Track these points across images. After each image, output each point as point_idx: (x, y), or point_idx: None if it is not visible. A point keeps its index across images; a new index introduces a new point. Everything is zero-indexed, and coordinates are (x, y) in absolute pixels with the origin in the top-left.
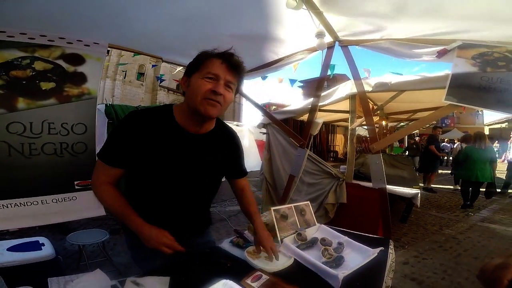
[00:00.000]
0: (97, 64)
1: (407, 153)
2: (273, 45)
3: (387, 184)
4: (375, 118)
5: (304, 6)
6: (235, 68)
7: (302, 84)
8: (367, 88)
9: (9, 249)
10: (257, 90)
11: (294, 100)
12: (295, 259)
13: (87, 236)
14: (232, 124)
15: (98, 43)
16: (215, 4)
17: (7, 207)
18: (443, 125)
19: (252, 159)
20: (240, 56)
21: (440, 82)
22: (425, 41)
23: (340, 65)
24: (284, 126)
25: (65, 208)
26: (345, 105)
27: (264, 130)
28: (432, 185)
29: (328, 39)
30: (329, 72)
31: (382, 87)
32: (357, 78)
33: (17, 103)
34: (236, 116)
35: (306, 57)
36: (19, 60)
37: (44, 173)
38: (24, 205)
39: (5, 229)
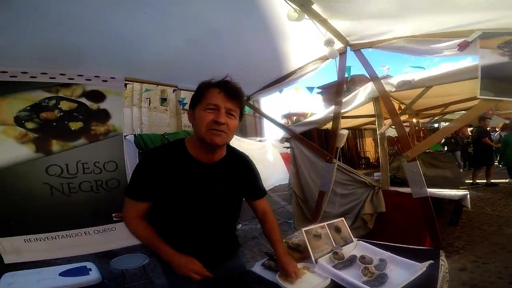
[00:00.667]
0: (117, 99)
1: (445, 149)
2: (283, 60)
3: (429, 188)
4: (404, 117)
5: (306, 16)
6: (233, 95)
7: (321, 90)
8: (389, 88)
9: (61, 274)
10: (276, 102)
11: (315, 107)
12: (332, 279)
13: (129, 260)
14: (255, 140)
15: (114, 78)
16: (220, 28)
17: (56, 238)
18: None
19: (280, 172)
20: (253, 77)
21: (469, 73)
22: (442, 35)
23: (357, 66)
24: (308, 142)
25: (106, 238)
26: (370, 108)
27: (287, 145)
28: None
29: (338, 45)
30: (346, 75)
31: (405, 86)
32: (376, 80)
33: (52, 146)
34: (259, 132)
35: (320, 66)
36: (46, 101)
37: (84, 208)
38: (71, 236)
39: (56, 257)
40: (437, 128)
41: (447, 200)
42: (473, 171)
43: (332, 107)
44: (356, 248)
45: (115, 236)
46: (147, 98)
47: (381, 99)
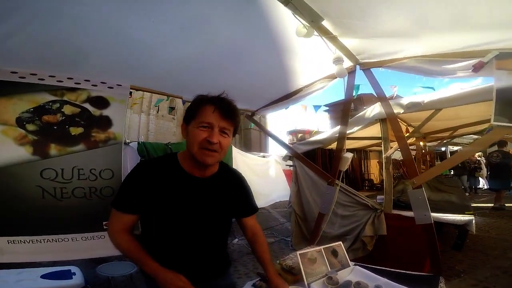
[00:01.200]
0: (121, 106)
1: (452, 173)
2: (290, 77)
3: (433, 212)
4: (411, 140)
5: (315, 33)
6: (228, 114)
7: (327, 108)
8: (398, 110)
9: (43, 277)
10: (282, 118)
11: (321, 124)
12: None
13: (117, 267)
14: (258, 155)
15: (120, 85)
16: (228, 43)
17: (41, 242)
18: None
19: (281, 189)
20: (259, 93)
21: (483, 95)
22: (456, 55)
23: (366, 84)
24: (310, 163)
25: (94, 245)
26: (376, 130)
27: (290, 163)
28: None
29: (348, 63)
30: (353, 94)
31: (415, 108)
32: (384, 100)
33: (50, 149)
34: (263, 147)
35: (328, 85)
36: (50, 104)
37: (75, 214)
38: (56, 241)
39: (39, 261)
40: (444, 152)
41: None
42: (496, 195)
43: (338, 127)
44: (352, 273)
45: (104, 244)
46: (155, 106)
47: (388, 120)
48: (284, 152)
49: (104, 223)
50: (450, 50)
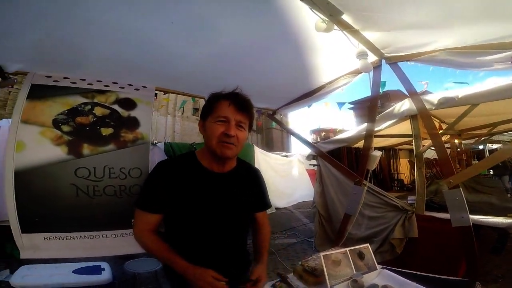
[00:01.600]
0: (147, 108)
1: (491, 173)
2: (312, 73)
3: (471, 214)
4: (445, 138)
5: (336, 27)
6: (243, 107)
7: (352, 106)
8: (429, 106)
9: (74, 271)
10: (304, 117)
11: (346, 122)
12: None
13: (143, 264)
14: (280, 155)
15: (146, 87)
16: (248, 41)
17: (73, 238)
18: None
19: (304, 189)
20: (281, 91)
21: None
22: (492, 46)
23: (392, 80)
24: (336, 162)
25: (122, 243)
26: (406, 127)
27: (314, 162)
28: None
29: (372, 57)
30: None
31: (448, 103)
32: (415, 95)
33: (83, 149)
34: (285, 147)
35: (352, 81)
36: (82, 106)
37: (105, 211)
38: (88, 238)
39: (71, 257)
40: (482, 150)
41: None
42: None
43: (364, 125)
44: (379, 276)
45: (132, 241)
46: (180, 108)
47: (420, 117)
48: (307, 151)
49: (132, 220)
50: (485, 41)
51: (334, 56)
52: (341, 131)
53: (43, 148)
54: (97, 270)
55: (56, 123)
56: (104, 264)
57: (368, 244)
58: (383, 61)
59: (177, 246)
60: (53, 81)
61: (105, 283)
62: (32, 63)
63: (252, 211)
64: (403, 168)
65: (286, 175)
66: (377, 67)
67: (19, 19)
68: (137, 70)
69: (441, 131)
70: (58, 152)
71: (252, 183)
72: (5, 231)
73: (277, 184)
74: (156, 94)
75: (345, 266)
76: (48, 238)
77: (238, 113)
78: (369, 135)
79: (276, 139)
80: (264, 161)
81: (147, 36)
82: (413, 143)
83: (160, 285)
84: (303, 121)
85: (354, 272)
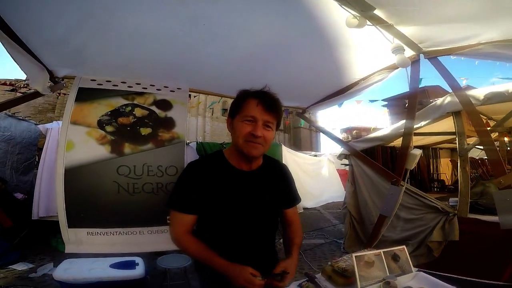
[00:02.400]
0: (182, 108)
1: None
2: (344, 70)
3: None
4: (493, 135)
5: (368, 22)
6: (271, 107)
7: (386, 103)
8: (474, 101)
9: (111, 266)
10: (333, 115)
11: (379, 121)
12: None
13: (174, 260)
14: (309, 154)
15: (180, 88)
16: (277, 40)
17: (113, 234)
18: None
19: (334, 190)
20: (311, 88)
21: None
22: None
23: (428, 77)
24: (371, 160)
25: (157, 239)
26: (447, 125)
27: (346, 162)
28: None
29: (409, 52)
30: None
31: (495, 99)
32: (459, 90)
33: (124, 148)
34: (314, 146)
35: (387, 76)
36: (123, 107)
37: (143, 208)
38: (126, 234)
39: (109, 252)
40: None
41: None
42: None
43: (401, 122)
44: (414, 279)
45: (166, 238)
46: (210, 109)
47: (466, 113)
48: (338, 150)
49: (168, 217)
50: None
51: (368, 52)
52: (375, 130)
53: (89, 147)
54: (132, 265)
55: (101, 124)
56: (138, 259)
57: (404, 246)
58: (421, 56)
59: (207, 244)
60: (97, 84)
61: (138, 278)
62: (78, 68)
63: (280, 207)
64: (444, 168)
65: (316, 175)
66: (415, 62)
67: (64, 26)
68: (172, 73)
69: (488, 129)
70: (102, 151)
71: (279, 179)
72: (51, 226)
73: (305, 184)
74: (190, 95)
75: (378, 268)
76: (90, 233)
77: (266, 113)
78: (408, 133)
79: (304, 138)
80: (293, 160)
81: (181, 40)
82: (456, 141)
83: (188, 281)
84: (331, 120)
85: (388, 274)
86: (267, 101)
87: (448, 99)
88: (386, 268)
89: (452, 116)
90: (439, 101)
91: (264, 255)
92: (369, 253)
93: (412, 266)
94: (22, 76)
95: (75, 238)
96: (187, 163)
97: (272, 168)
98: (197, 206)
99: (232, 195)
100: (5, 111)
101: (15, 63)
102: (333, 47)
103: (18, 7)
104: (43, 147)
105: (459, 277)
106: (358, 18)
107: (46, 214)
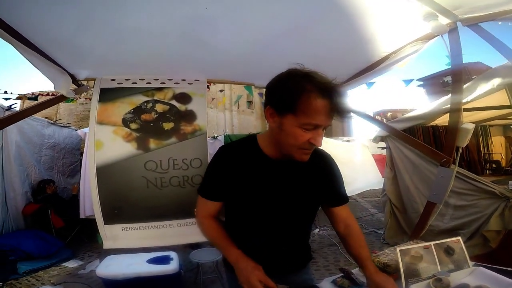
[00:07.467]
0: (202, 100)
1: None
2: (371, 44)
3: None
4: None
5: None
6: (341, 114)
7: (422, 83)
8: None
9: (148, 261)
10: (363, 98)
11: (414, 103)
12: None
13: (206, 254)
14: (342, 140)
15: (198, 80)
16: (295, 17)
17: (146, 228)
18: None
19: (371, 177)
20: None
21: None
22: None
23: (467, 53)
24: (414, 140)
25: (187, 231)
26: (497, 99)
27: (382, 144)
28: None
29: (444, 21)
30: (446, 63)
31: None
32: None
33: (149, 144)
34: (346, 131)
35: (422, 48)
36: (145, 104)
37: (172, 201)
38: (158, 228)
39: (142, 246)
40: None
41: None
42: None
43: (443, 98)
44: (471, 275)
45: (196, 230)
46: (235, 103)
47: None
48: (372, 135)
49: (195, 209)
50: None
51: (398, 22)
52: (412, 111)
53: (116, 145)
54: (167, 260)
55: (125, 122)
56: (172, 254)
57: (459, 238)
58: (459, 24)
59: (235, 234)
60: (117, 83)
61: (173, 273)
62: (97, 69)
63: (326, 205)
64: (497, 147)
65: (347, 162)
66: (452, 30)
67: (80, 28)
68: (188, 65)
69: None
70: (129, 148)
71: (322, 171)
72: (96, 224)
73: None
74: (208, 86)
75: (427, 262)
76: (125, 229)
77: (331, 118)
78: (456, 109)
79: (334, 123)
80: (324, 147)
81: (196, 30)
82: None
83: (220, 275)
84: (360, 104)
85: (439, 270)
86: (339, 104)
87: (498, 71)
88: (438, 262)
89: (505, 89)
90: (486, 73)
91: (294, 250)
92: (416, 247)
93: (469, 260)
94: None
95: (111, 234)
96: (210, 155)
97: (315, 159)
98: (221, 193)
99: (262, 185)
100: (47, 120)
101: (38, 70)
102: (358, 20)
103: (31, 15)
104: None
105: None
106: None
107: (91, 213)
